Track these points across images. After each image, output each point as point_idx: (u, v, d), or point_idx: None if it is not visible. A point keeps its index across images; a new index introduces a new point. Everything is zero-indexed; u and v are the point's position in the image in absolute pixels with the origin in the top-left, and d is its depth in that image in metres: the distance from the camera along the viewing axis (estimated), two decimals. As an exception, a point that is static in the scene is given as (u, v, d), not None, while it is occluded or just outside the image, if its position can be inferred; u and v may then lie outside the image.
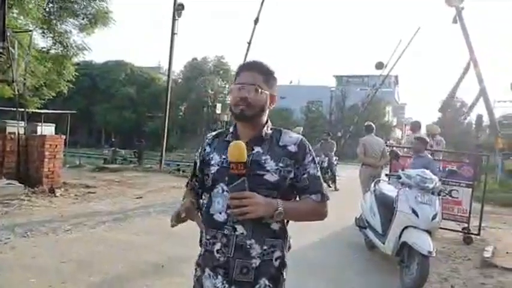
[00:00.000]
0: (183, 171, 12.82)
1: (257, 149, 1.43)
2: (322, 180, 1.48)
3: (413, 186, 4.07)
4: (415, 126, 6.99)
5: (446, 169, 5.89)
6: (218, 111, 14.85)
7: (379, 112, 33.76)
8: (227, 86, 36.27)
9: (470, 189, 5.94)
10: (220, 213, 1.41)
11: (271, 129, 1.50)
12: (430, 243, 3.64)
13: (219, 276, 1.40)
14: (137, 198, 7.67)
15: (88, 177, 10.05)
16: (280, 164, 1.41)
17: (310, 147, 1.50)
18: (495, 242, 5.74)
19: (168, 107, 13.33)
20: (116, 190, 8.39)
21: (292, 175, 1.43)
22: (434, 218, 3.88)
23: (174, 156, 23.09)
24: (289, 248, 1.53)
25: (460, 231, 5.99)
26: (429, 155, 5.57)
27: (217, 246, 1.41)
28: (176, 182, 10.34)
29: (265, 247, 1.39)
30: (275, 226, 1.43)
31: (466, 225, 5.91)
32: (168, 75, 13.56)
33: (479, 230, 5.92)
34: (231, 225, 1.39)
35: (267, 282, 1.39)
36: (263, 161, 1.41)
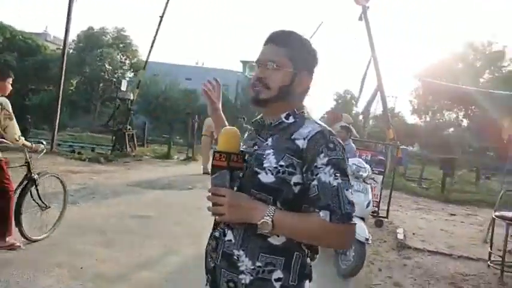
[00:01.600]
0: (79, 153, 11.46)
1: (268, 141, 1.16)
2: (343, 194, 1.07)
3: (349, 175, 4.14)
4: (336, 116, 7.24)
5: (367, 157, 6.25)
6: (123, 88, 13.49)
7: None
8: (127, 61, 33.66)
9: (381, 176, 6.44)
10: None
11: (296, 117, 1.18)
12: (366, 231, 3.75)
13: (208, 283, 1.22)
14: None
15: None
16: (281, 163, 1.10)
17: (334, 145, 1.10)
18: (401, 224, 6.34)
19: (63, 79, 11.65)
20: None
21: (297, 179, 1.10)
22: (368, 205, 4.02)
23: (65, 135, 20.70)
24: (307, 276, 1.16)
25: (371, 215, 6.46)
26: (352, 144, 5.81)
27: (209, 248, 1.22)
28: (72, 165, 9.11)
29: (258, 263, 1.10)
30: (275, 240, 1.11)
31: (376, 209, 6.39)
32: (64, 43, 11.81)
33: (387, 213, 6.47)
34: (222, 228, 1.18)
35: None
36: (264, 157, 1.12)
